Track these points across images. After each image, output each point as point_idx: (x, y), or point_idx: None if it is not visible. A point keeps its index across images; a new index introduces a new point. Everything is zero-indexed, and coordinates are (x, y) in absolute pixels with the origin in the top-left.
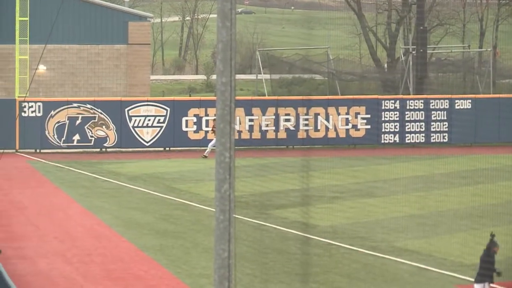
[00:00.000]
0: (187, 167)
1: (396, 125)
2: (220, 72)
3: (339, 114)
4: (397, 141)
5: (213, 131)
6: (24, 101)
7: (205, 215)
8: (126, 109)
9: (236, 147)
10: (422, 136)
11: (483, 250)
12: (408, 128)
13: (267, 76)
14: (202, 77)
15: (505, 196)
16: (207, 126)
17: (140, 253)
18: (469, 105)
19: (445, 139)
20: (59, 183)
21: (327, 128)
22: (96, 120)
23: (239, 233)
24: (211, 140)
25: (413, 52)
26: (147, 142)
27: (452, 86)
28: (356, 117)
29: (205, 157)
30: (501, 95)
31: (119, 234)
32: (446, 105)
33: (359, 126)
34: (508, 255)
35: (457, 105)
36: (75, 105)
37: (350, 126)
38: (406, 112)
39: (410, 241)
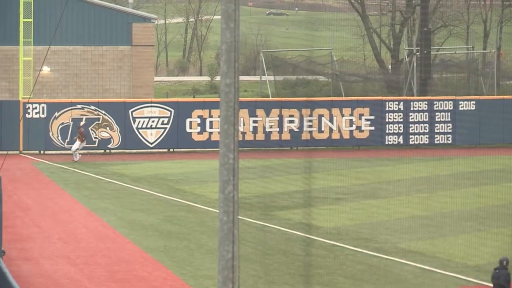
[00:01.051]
0: (191, 168)
1: (400, 127)
2: (224, 73)
3: (343, 115)
4: (401, 142)
5: (79, 137)
6: (28, 103)
7: (209, 216)
8: (130, 111)
9: (240, 149)
10: (426, 137)
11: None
12: (412, 130)
13: (271, 78)
14: (206, 78)
15: (509, 197)
16: (211, 127)
17: (144, 255)
18: (473, 107)
19: (449, 140)
20: (64, 185)
21: (331, 130)
22: (100, 122)
23: (243, 234)
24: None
25: (417, 53)
26: (151, 144)
27: (456, 88)
28: (360, 119)
29: (76, 161)
30: (505, 97)
31: (123, 236)
32: (450, 107)
33: (363, 128)
34: None
35: (461, 107)
36: (79, 106)
37: (354, 127)
38: (410, 114)
39: (414, 243)
